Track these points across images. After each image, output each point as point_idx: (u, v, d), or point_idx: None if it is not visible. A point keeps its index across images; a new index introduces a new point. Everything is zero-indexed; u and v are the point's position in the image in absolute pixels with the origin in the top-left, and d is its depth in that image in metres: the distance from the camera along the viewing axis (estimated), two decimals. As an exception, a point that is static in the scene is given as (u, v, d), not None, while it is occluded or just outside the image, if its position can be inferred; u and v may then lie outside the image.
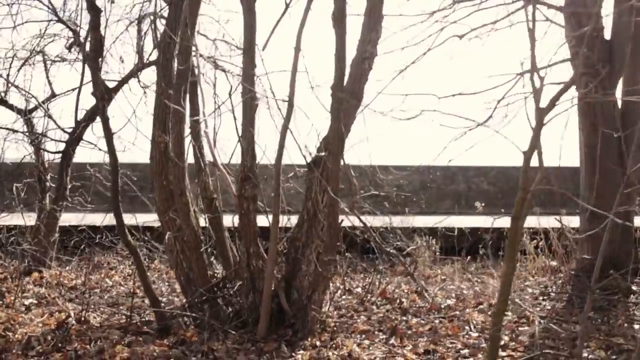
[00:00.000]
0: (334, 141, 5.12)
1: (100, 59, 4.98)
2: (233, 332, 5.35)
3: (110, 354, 4.81)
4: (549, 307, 6.52)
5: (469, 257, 9.03)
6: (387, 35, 7.15)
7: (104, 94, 5.11)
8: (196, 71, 6.37)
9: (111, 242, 8.63)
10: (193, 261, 5.80)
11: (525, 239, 8.86)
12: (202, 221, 6.48)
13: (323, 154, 5.27)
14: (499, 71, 8.15)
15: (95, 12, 4.99)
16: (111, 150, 5.05)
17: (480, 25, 7.55)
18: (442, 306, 6.46)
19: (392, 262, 8.12)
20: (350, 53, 5.33)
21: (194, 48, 6.24)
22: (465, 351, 5.09)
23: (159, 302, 5.57)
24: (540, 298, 6.96)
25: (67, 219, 9.02)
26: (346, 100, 5.32)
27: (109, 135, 5.10)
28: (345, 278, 7.35)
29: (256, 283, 5.60)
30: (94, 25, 4.94)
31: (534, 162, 3.12)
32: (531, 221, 8.43)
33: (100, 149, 7.59)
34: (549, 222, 8.81)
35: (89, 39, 7.44)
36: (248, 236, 5.63)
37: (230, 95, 5.56)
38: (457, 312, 6.19)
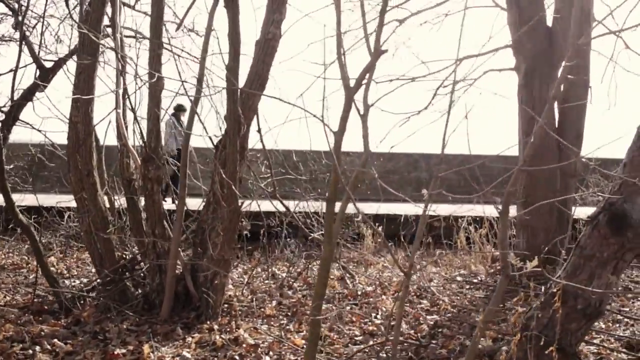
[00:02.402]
0: (230, 123, 5.05)
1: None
2: (131, 313, 5.31)
3: (-5, 332, 4.78)
4: (469, 296, 6.45)
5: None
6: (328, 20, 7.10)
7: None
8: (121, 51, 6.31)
9: (53, 222, 8.59)
10: (101, 242, 5.76)
11: (471, 226, 8.80)
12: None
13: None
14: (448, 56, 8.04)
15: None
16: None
17: (415, 12, 7.43)
18: (359, 293, 6.40)
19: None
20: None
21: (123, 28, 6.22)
22: (360, 337, 5.04)
23: (57, 281, 5.54)
24: (467, 287, 6.89)
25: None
26: (250, 82, 5.28)
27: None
28: (271, 262, 7.30)
29: (162, 265, 5.57)
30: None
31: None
32: (477, 209, 8.34)
33: (34, 128, 7.51)
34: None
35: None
36: (153, 217, 5.60)
37: (135, 77, 5.50)
38: (371, 299, 6.13)
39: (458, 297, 6.37)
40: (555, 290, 3.26)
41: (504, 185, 3.89)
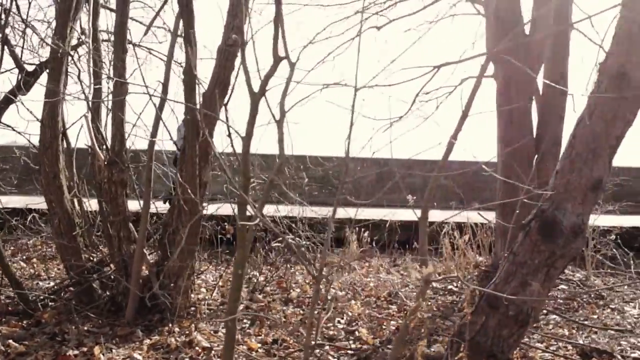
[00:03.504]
0: (188, 127, 5.08)
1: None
2: (93, 315, 5.36)
3: (-48, 333, 4.84)
4: (441, 302, 6.43)
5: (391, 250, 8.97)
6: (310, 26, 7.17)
7: None
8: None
9: (37, 224, 8.65)
10: (68, 244, 5.81)
11: (455, 233, 8.75)
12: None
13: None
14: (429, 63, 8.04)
15: None
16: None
17: (396, 17, 7.44)
18: (330, 297, 6.39)
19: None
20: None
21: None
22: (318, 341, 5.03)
23: (19, 283, 5.59)
24: (440, 293, 6.86)
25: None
26: (213, 86, 5.31)
27: None
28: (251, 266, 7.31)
29: (128, 267, 5.61)
30: None
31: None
32: (459, 216, 8.30)
33: (15, 131, 7.61)
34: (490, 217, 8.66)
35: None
36: (118, 220, 5.64)
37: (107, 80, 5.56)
38: (340, 304, 6.12)
39: (429, 303, 6.34)
40: (478, 296, 3.25)
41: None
